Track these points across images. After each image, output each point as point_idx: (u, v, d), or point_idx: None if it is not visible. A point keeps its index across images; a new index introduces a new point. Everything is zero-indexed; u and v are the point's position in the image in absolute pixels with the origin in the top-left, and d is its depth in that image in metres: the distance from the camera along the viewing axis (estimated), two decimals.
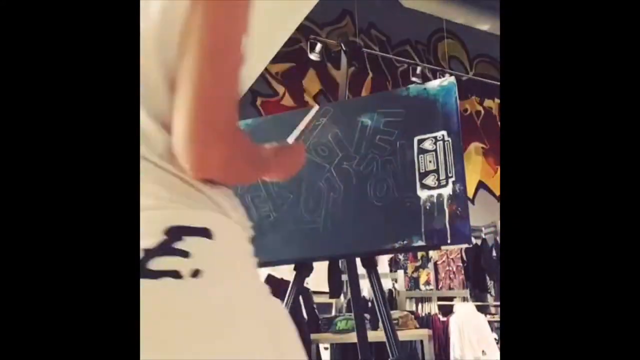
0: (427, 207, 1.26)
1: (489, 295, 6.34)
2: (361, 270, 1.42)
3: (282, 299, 1.40)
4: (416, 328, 3.83)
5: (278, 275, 3.64)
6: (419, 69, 5.96)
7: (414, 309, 5.07)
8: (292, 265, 1.42)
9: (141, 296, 0.62)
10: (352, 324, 3.21)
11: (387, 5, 6.93)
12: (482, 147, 7.44)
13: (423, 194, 1.28)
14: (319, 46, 5.09)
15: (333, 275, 1.41)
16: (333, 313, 4.36)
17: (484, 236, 6.56)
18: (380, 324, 1.32)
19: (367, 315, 3.55)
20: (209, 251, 0.66)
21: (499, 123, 5.54)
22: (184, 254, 0.63)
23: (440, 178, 1.28)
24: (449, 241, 1.21)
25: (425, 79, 5.85)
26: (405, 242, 1.25)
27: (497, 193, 6.97)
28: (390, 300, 4.79)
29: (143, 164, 0.71)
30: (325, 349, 4.32)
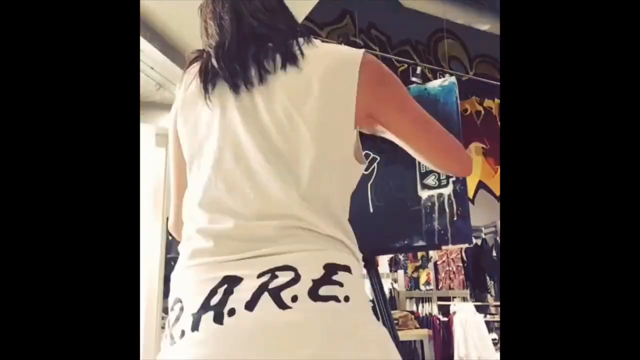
0: (428, 207, 1.26)
1: (489, 295, 6.33)
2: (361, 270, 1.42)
3: None
4: (416, 328, 3.83)
5: None
6: (419, 69, 5.95)
7: (414, 309, 5.06)
8: None
9: (311, 314, 0.78)
10: None
11: (387, 5, 6.92)
12: (482, 147, 7.43)
13: (424, 193, 1.28)
14: None
15: None
16: None
17: (484, 236, 6.56)
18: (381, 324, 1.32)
19: None
20: (352, 282, 0.83)
21: (499, 123, 5.53)
22: (340, 284, 0.81)
23: (441, 178, 1.28)
24: (449, 241, 1.21)
25: (425, 79, 5.85)
26: (405, 242, 1.25)
27: (497, 193, 6.97)
28: (390, 300, 4.79)
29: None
30: None
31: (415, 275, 5.82)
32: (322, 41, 0.97)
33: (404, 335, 3.74)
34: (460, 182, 1.25)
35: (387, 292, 4.90)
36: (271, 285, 0.78)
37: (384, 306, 1.33)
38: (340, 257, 0.85)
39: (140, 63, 4.12)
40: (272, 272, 0.80)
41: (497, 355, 4.58)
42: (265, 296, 0.77)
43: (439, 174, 1.28)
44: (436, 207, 1.24)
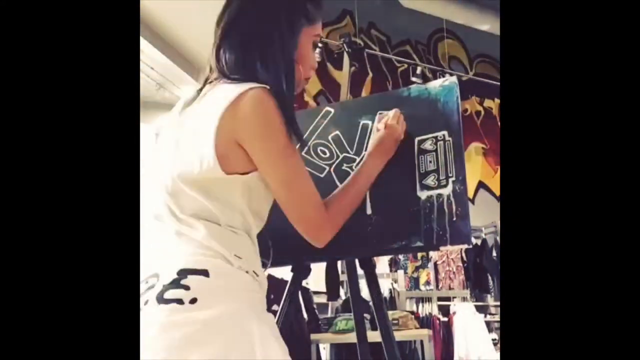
0: (427, 208, 1.25)
1: (489, 296, 6.33)
2: (360, 270, 1.42)
3: (281, 299, 1.39)
4: (416, 328, 3.83)
5: (278, 276, 3.64)
6: (419, 69, 5.94)
7: (414, 309, 5.06)
8: (290, 267, 1.41)
9: (154, 317, 0.88)
10: (352, 324, 3.20)
11: (387, 5, 6.92)
12: (482, 147, 7.42)
13: (423, 194, 1.27)
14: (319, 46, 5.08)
15: (330, 277, 1.40)
16: (329, 314, 4.35)
17: (484, 236, 6.55)
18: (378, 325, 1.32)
19: (367, 316, 3.54)
20: (205, 285, 0.91)
21: (499, 123, 5.53)
22: (186, 287, 0.89)
23: (441, 178, 1.27)
24: (448, 241, 1.20)
25: (425, 79, 5.85)
26: (404, 242, 1.24)
27: (497, 193, 6.96)
28: (390, 300, 4.79)
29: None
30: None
31: (415, 275, 5.81)
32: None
33: (404, 335, 3.74)
34: (460, 183, 1.24)
35: (387, 292, 4.89)
36: (149, 287, 0.92)
37: (379, 306, 1.33)
38: (198, 261, 0.94)
39: (140, 63, 4.12)
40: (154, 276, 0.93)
41: (497, 355, 4.58)
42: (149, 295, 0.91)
43: (438, 174, 1.27)
44: (435, 208, 1.23)
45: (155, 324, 0.87)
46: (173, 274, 0.91)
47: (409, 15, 6.82)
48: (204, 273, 0.92)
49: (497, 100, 7.54)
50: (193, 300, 0.88)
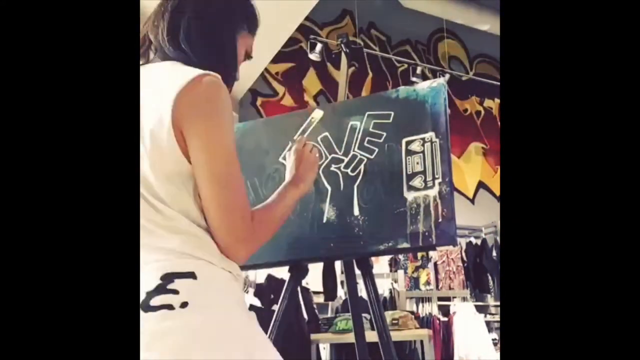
0: (413, 209, 1.25)
1: (489, 296, 6.33)
2: (357, 270, 1.42)
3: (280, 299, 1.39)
4: (416, 328, 3.82)
5: (278, 276, 3.65)
6: (419, 69, 5.95)
7: (414, 309, 5.06)
8: (287, 267, 1.41)
9: (144, 324, 0.83)
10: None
11: (387, 5, 6.92)
12: (482, 147, 7.42)
13: (409, 195, 1.27)
14: (319, 46, 5.09)
15: (328, 278, 1.40)
16: (329, 314, 4.35)
17: (484, 236, 6.55)
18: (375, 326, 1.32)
19: (366, 316, 3.55)
20: (194, 288, 0.88)
21: (499, 123, 5.53)
22: (175, 292, 0.86)
23: (427, 179, 1.27)
24: (434, 242, 1.20)
25: (425, 79, 5.85)
26: (390, 244, 1.24)
27: (497, 193, 6.96)
28: (390, 300, 4.79)
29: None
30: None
31: (415, 275, 5.81)
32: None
33: (404, 335, 3.74)
34: (447, 184, 1.24)
35: (387, 292, 4.90)
36: None
37: (376, 307, 1.33)
38: (180, 264, 0.90)
39: None
40: None
41: (497, 355, 4.58)
42: None
43: (425, 175, 1.27)
44: (421, 209, 1.23)
45: (145, 333, 0.82)
46: (156, 279, 0.87)
47: (409, 15, 6.82)
48: (191, 275, 0.88)
49: (497, 100, 7.54)
50: (184, 305, 0.86)
